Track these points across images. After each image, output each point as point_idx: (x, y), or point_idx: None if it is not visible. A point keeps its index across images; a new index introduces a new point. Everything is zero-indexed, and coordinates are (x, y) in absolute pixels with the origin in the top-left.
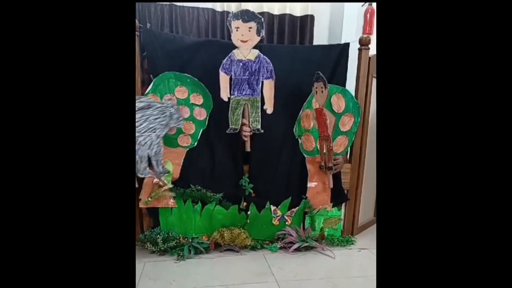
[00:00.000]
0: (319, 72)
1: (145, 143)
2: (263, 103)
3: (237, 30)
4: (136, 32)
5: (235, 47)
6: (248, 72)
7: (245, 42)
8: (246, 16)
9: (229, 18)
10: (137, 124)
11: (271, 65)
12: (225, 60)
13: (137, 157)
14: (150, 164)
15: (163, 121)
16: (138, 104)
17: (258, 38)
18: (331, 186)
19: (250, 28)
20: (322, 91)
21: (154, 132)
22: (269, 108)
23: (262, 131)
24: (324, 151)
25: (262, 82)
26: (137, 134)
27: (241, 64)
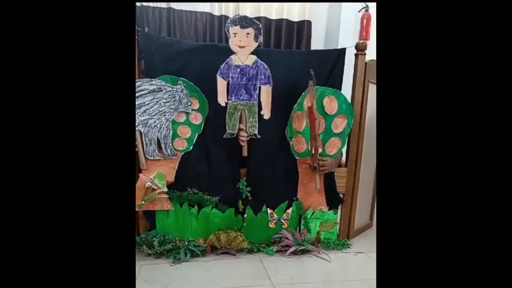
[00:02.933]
0: (311, 70)
1: (155, 125)
2: (260, 108)
3: (234, 36)
4: None
5: (232, 51)
6: (245, 77)
7: (243, 47)
8: (244, 22)
9: (227, 24)
10: (147, 106)
11: (269, 70)
12: (222, 65)
13: (146, 139)
14: (159, 147)
15: (172, 105)
16: (149, 87)
17: (256, 44)
18: (318, 187)
19: (248, 34)
20: (312, 89)
21: (164, 115)
22: (266, 114)
23: (259, 136)
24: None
25: (260, 87)
26: (147, 117)
27: (238, 69)
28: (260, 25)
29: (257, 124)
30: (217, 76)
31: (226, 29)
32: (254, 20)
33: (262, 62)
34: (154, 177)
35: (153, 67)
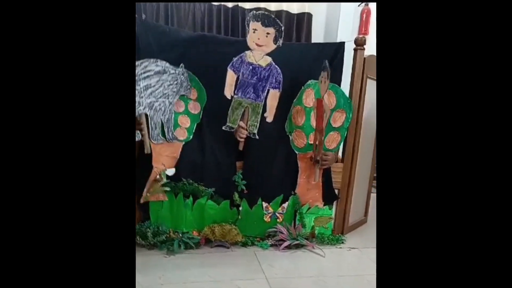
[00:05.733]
0: (326, 60)
1: (160, 108)
2: (264, 110)
3: (254, 32)
4: None
5: (232, 43)
6: (256, 77)
7: (260, 46)
8: (266, 20)
9: (248, 18)
10: (153, 88)
11: (281, 76)
12: (236, 58)
13: (152, 123)
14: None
15: (175, 88)
16: (155, 68)
17: (274, 46)
18: (317, 180)
19: (268, 33)
20: (325, 81)
21: (168, 98)
22: (269, 117)
23: (257, 137)
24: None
25: (268, 90)
26: (153, 99)
27: (250, 67)
28: (283, 28)
29: (258, 124)
30: (228, 68)
31: (246, 23)
32: (277, 20)
33: (276, 66)
34: (164, 170)
35: (150, 55)
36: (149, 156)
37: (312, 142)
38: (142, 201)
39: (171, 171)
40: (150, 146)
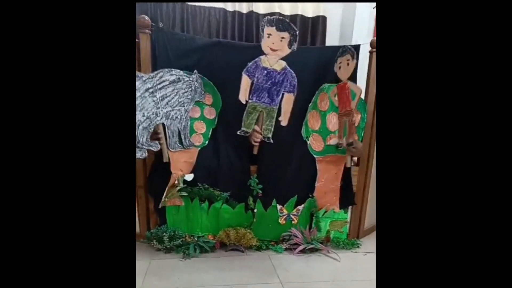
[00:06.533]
0: (346, 45)
1: (176, 117)
2: (279, 114)
3: (268, 37)
4: (148, 31)
5: (247, 48)
6: (270, 81)
7: (275, 51)
8: (280, 24)
9: (262, 23)
10: (169, 98)
11: (296, 80)
12: (250, 63)
13: (169, 131)
14: (179, 138)
15: (190, 95)
16: (170, 77)
17: (289, 51)
18: (348, 165)
19: (282, 38)
20: (348, 64)
21: (183, 106)
22: (284, 121)
23: (272, 141)
24: (343, 140)
25: (283, 94)
26: (169, 109)
27: (265, 72)
28: (297, 32)
29: (272, 129)
30: (243, 73)
31: (261, 28)
32: (292, 25)
33: (291, 70)
34: (182, 175)
35: (167, 63)
36: (167, 163)
37: (329, 143)
38: (160, 206)
39: (189, 177)
40: (168, 155)
